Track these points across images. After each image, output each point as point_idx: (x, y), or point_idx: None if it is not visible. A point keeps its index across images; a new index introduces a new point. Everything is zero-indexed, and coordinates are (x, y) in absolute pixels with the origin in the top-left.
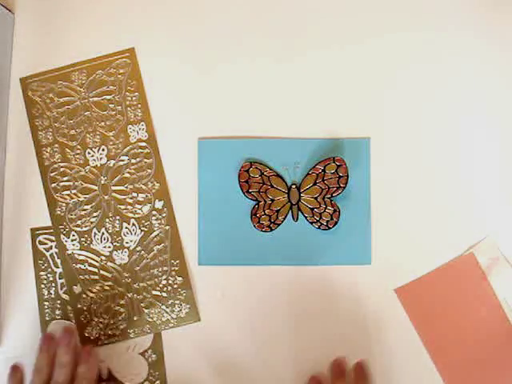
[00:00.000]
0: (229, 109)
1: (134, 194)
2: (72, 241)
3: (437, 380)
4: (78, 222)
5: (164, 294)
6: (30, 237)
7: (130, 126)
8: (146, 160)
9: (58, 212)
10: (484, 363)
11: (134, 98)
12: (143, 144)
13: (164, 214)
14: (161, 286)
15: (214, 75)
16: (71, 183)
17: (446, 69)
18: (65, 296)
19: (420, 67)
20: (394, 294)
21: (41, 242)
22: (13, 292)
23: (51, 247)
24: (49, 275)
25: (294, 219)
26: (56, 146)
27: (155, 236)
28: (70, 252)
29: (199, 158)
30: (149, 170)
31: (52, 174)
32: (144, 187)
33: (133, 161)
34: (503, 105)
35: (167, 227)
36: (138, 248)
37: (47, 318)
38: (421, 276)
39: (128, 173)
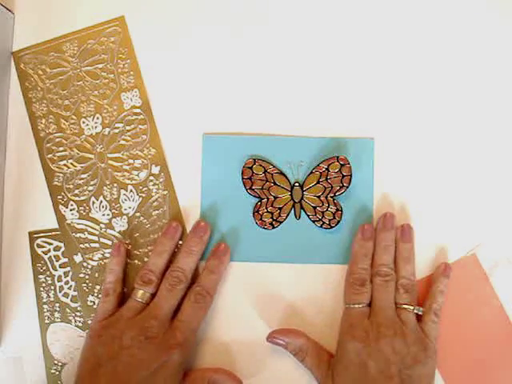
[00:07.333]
0: (234, 105)
1: (131, 161)
2: (71, 210)
3: (437, 380)
4: (76, 192)
5: None
6: (28, 240)
7: (123, 93)
8: (140, 126)
9: (56, 182)
10: (485, 364)
11: (125, 65)
12: (137, 110)
13: (161, 179)
14: None
15: (218, 71)
16: (67, 153)
17: (450, 69)
18: (64, 299)
19: (424, 68)
20: None
21: (39, 245)
22: (12, 295)
23: (49, 250)
24: (47, 278)
25: (296, 217)
26: (51, 116)
27: (153, 201)
28: (69, 222)
29: (204, 153)
30: (144, 136)
31: (48, 145)
32: (140, 153)
33: (128, 127)
34: (504, 106)
35: (165, 192)
36: (137, 214)
37: (46, 321)
38: (421, 276)
39: (123, 140)
